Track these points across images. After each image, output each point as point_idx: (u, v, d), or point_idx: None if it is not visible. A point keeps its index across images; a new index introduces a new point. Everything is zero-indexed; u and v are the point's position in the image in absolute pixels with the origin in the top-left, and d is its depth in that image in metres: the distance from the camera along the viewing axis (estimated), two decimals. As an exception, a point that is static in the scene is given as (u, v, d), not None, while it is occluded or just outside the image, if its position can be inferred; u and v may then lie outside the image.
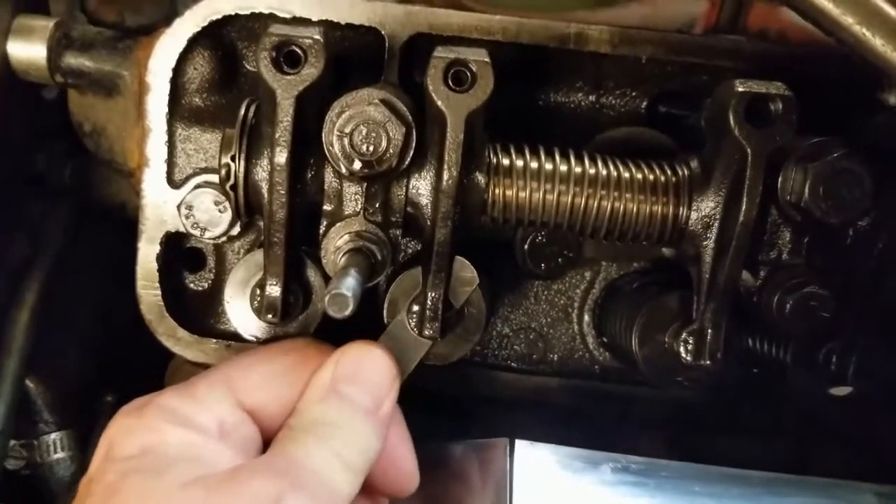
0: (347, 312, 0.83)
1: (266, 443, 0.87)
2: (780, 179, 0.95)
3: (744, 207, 0.91)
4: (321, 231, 0.96)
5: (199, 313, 1.12)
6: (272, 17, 1.00)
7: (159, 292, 1.06)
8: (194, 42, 1.02)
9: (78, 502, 0.81)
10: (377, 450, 0.86)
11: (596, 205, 0.95)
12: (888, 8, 0.81)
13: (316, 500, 0.79)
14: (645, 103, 1.11)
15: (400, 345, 0.95)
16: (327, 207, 0.96)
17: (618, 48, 1.02)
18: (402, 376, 0.93)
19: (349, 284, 0.83)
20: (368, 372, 0.89)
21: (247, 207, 0.96)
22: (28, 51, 1.07)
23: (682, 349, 0.96)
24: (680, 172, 0.96)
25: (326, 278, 0.98)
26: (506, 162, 0.95)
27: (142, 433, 0.83)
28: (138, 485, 0.78)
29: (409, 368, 0.95)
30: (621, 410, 1.14)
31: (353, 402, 0.87)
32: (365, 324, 0.97)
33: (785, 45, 1.06)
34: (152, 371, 1.17)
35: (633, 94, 1.11)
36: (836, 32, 0.83)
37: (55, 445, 1.20)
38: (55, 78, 1.09)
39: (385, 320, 0.99)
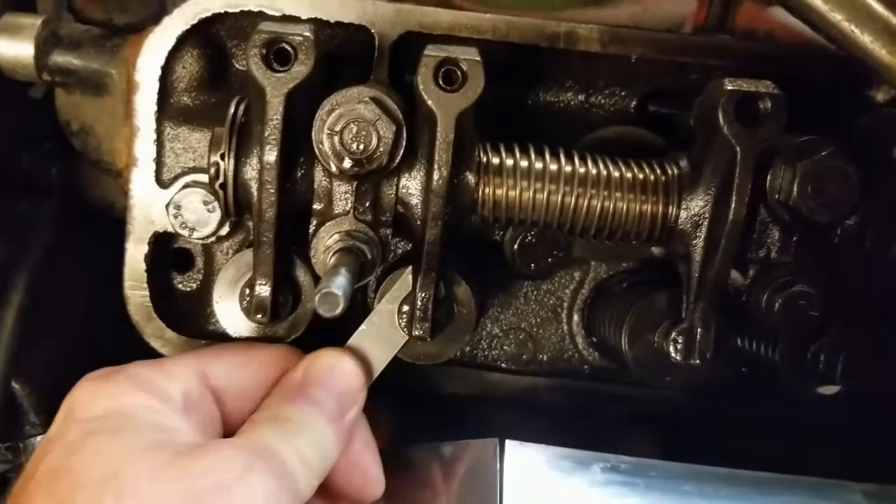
0: (338, 311, 0.83)
1: (226, 432, 0.88)
2: (768, 178, 0.95)
3: (733, 206, 0.91)
4: (311, 230, 0.95)
5: (188, 314, 1.11)
6: (261, 16, 0.99)
7: (147, 293, 1.05)
8: (183, 40, 1.01)
9: (34, 461, 0.79)
10: (335, 456, 0.87)
11: (586, 204, 0.95)
12: (876, 5, 0.82)
13: (280, 482, 0.79)
14: (634, 102, 1.11)
15: (379, 336, 0.96)
16: (317, 206, 0.95)
17: (608, 47, 1.02)
18: (378, 368, 0.95)
19: (340, 283, 0.83)
20: (337, 379, 0.90)
21: (236, 206, 0.95)
22: (15, 49, 1.06)
23: (671, 348, 0.96)
24: (669, 171, 0.96)
25: (316, 278, 0.97)
26: (496, 161, 0.95)
27: (106, 397, 0.82)
28: (101, 443, 0.77)
29: (386, 360, 0.96)
30: (610, 410, 1.14)
31: (320, 407, 0.88)
32: (353, 324, 0.97)
33: (773, 45, 1.06)
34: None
35: (623, 93, 1.11)
36: (825, 29, 0.83)
37: (41, 447, 1.19)
38: (42, 76, 1.08)
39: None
